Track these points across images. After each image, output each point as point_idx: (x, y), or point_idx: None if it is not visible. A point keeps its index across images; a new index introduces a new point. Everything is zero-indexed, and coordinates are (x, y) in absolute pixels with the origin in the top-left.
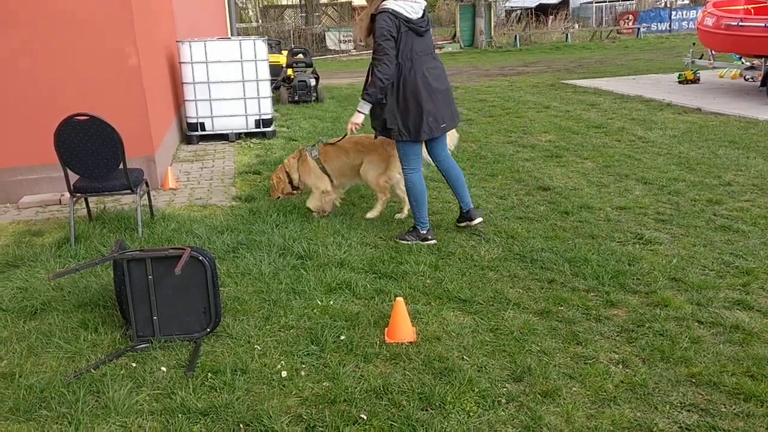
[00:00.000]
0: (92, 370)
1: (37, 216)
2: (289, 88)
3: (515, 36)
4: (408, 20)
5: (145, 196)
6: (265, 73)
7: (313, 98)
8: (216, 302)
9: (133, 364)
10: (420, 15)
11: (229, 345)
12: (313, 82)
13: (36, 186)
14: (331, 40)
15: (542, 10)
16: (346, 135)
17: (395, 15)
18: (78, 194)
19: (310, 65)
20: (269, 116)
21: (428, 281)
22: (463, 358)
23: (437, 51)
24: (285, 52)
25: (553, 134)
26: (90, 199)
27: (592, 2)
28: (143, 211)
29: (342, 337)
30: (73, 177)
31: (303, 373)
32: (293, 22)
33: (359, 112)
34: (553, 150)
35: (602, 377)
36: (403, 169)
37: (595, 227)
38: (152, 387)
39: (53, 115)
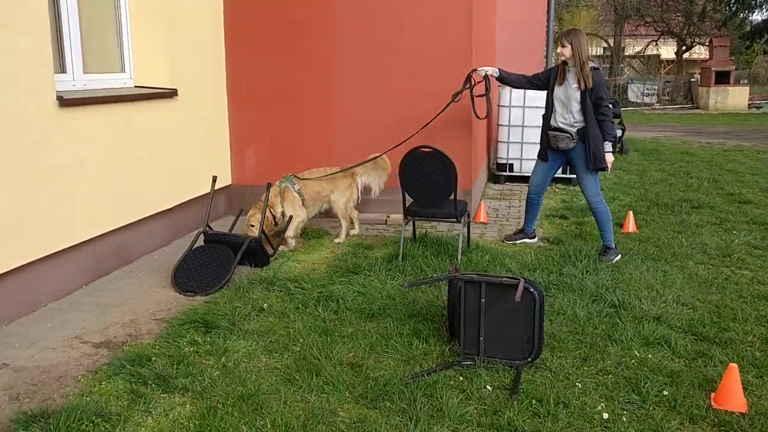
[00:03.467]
0: (425, 375)
1: (367, 232)
2: None
3: None
4: None
5: (466, 226)
6: None
7: (618, 149)
8: (540, 334)
9: (460, 378)
10: None
11: (548, 378)
12: (619, 133)
13: (366, 206)
14: (633, 92)
15: None
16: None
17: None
18: (410, 217)
19: (618, 116)
20: None
21: (758, 353)
22: None
23: (754, 110)
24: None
25: None
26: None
27: None
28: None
29: (665, 393)
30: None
31: (624, 419)
32: None
33: (609, 152)
34: None
35: None
36: (598, 196)
37: None
38: (479, 402)
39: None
